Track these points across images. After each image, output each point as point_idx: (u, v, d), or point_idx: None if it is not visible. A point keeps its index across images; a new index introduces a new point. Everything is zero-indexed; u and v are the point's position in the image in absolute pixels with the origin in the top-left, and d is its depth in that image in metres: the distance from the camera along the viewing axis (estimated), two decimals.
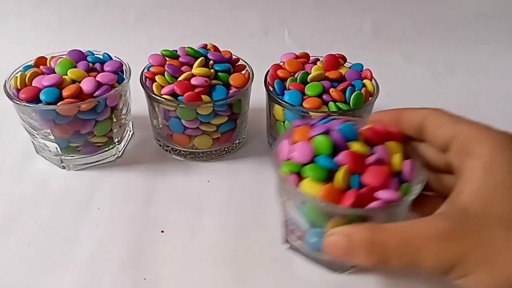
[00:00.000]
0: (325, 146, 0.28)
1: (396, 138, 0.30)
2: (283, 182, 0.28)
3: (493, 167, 0.23)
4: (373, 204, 0.26)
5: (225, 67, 0.41)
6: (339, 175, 0.26)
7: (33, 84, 0.38)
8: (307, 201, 0.27)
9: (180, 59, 0.41)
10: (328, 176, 0.27)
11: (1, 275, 0.32)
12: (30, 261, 0.33)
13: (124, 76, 0.41)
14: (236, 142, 0.45)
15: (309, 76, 0.39)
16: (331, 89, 0.38)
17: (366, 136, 0.29)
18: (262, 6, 0.72)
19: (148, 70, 0.41)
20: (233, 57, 0.44)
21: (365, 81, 0.40)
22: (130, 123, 0.47)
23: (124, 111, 0.43)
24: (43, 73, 0.39)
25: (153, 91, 0.39)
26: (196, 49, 0.42)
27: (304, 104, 0.38)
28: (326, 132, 0.29)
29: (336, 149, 0.28)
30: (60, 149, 0.40)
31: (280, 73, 0.41)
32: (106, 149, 0.43)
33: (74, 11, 0.71)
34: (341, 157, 0.27)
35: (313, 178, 0.27)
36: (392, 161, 0.28)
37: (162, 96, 0.39)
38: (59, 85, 0.37)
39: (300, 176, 0.28)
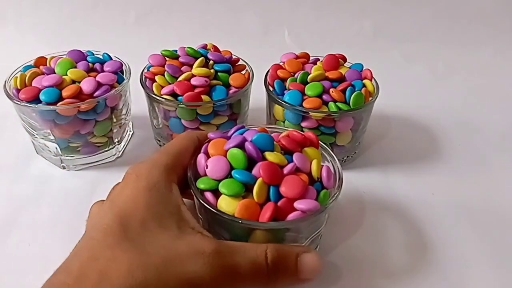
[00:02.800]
0: (239, 159, 0.27)
1: (314, 144, 0.30)
2: (200, 200, 0.27)
3: None
4: (292, 216, 0.25)
5: (225, 67, 0.41)
6: (256, 189, 0.26)
7: (33, 84, 0.38)
8: (225, 219, 0.26)
9: (180, 59, 0.41)
10: (246, 190, 0.26)
11: (1, 275, 0.32)
12: (30, 261, 0.33)
13: (124, 76, 0.41)
14: None
15: (309, 76, 0.39)
16: (331, 89, 0.38)
17: (283, 145, 0.29)
18: (262, 6, 0.72)
19: (148, 70, 0.41)
20: (233, 57, 0.44)
21: (365, 81, 0.40)
22: (130, 123, 0.47)
23: (124, 111, 0.43)
24: (43, 73, 0.39)
25: (153, 91, 0.39)
26: (196, 49, 0.42)
27: (304, 104, 0.38)
28: (241, 144, 0.28)
29: (252, 161, 0.27)
30: (60, 149, 0.40)
31: (280, 73, 0.41)
32: (106, 149, 0.43)
33: (74, 11, 0.71)
34: (256, 169, 0.27)
35: (229, 194, 0.26)
36: (311, 168, 0.28)
37: (162, 96, 0.39)
38: (59, 85, 0.37)
39: (217, 193, 0.27)
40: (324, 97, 0.38)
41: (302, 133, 0.30)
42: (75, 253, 0.24)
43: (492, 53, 0.67)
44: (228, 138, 0.29)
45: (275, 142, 0.29)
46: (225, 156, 0.28)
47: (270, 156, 0.27)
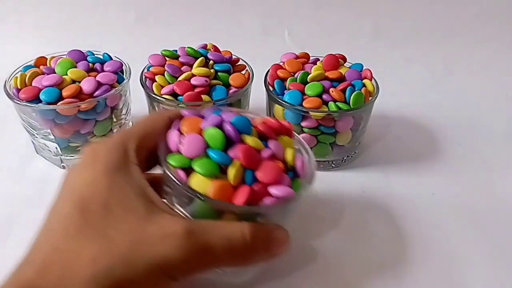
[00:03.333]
0: (217, 139, 0.26)
1: (289, 132, 0.29)
2: (170, 176, 0.25)
3: None
4: (267, 202, 0.25)
5: (225, 67, 0.41)
6: (232, 171, 0.25)
7: (33, 84, 0.38)
8: (197, 198, 0.24)
9: (180, 59, 0.41)
10: (219, 171, 0.25)
11: (1, 275, 0.32)
12: None
13: (124, 76, 0.41)
14: None
15: (309, 76, 0.39)
16: (331, 89, 0.38)
17: (260, 130, 0.28)
18: (262, 6, 0.72)
19: (148, 70, 0.41)
20: (233, 57, 0.44)
21: (365, 81, 0.40)
22: (130, 123, 0.47)
23: (124, 111, 0.43)
24: (43, 73, 0.39)
25: (153, 91, 0.39)
26: (196, 49, 0.42)
27: (304, 104, 0.38)
28: (219, 124, 0.27)
29: (228, 143, 0.26)
30: (60, 149, 0.40)
31: (280, 73, 0.41)
32: None
33: (74, 11, 0.71)
34: (235, 151, 0.26)
35: (204, 173, 0.25)
36: (285, 156, 0.27)
37: (162, 96, 0.39)
38: (59, 85, 0.37)
39: (189, 171, 0.25)
40: (324, 96, 0.38)
41: (277, 121, 0.29)
42: (38, 245, 0.23)
43: (492, 53, 0.67)
44: (202, 117, 0.28)
45: (252, 127, 0.28)
46: (201, 134, 0.27)
47: (248, 139, 0.26)
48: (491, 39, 0.69)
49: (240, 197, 0.24)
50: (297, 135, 0.31)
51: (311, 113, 0.38)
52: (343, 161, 0.43)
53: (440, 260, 0.34)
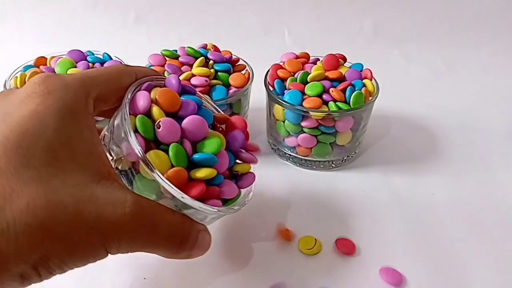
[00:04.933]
0: (180, 156, 0.24)
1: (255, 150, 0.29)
2: (130, 139, 0.23)
3: None
4: (213, 203, 0.24)
5: (225, 67, 0.41)
6: (204, 173, 0.24)
7: None
8: (151, 171, 0.22)
9: (180, 59, 0.41)
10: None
11: None
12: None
13: None
14: None
15: (309, 76, 0.39)
16: (331, 89, 0.38)
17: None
18: (262, 6, 0.72)
19: None
20: (233, 57, 0.44)
21: (365, 81, 0.40)
22: None
23: None
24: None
25: None
26: (196, 49, 0.42)
27: (304, 104, 0.38)
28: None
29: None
30: None
31: (280, 73, 0.41)
32: None
33: (74, 11, 0.71)
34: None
35: (175, 162, 0.23)
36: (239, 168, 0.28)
37: None
38: None
39: (150, 143, 0.24)
40: (324, 96, 0.38)
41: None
42: None
43: (492, 53, 0.67)
44: (179, 92, 0.27)
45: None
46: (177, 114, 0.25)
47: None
48: (491, 39, 0.69)
49: (194, 190, 0.23)
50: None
51: (311, 113, 0.38)
52: (343, 161, 0.43)
53: (440, 260, 0.34)
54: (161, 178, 0.22)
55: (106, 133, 0.26)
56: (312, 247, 0.34)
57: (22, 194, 0.18)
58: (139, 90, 0.26)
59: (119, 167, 0.25)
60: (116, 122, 0.25)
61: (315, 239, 0.34)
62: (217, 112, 0.30)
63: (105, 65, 0.40)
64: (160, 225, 0.22)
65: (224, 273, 0.32)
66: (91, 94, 0.23)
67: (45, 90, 0.21)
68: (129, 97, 0.24)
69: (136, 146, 0.22)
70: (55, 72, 0.38)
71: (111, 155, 0.25)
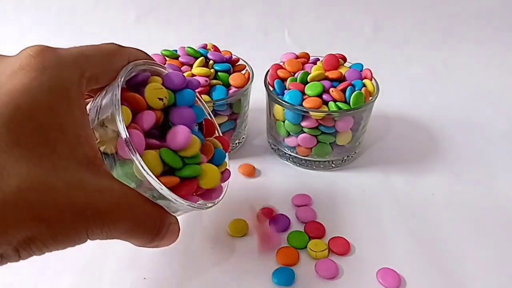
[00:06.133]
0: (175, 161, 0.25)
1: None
2: (121, 129, 0.22)
3: None
4: (194, 200, 0.26)
5: (225, 67, 0.41)
6: (209, 177, 0.25)
7: None
8: (143, 169, 0.22)
9: (180, 59, 0.41)
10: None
11: (1, 275, 0.32)
12: (30, 261, 0.33)
13: None
14: (236, 142, 0.45)
15: (309, 76, 0.39)
16: (331, 89, 0.38)
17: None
18: (262, 6, 0.72)
19: None
20: (233, 57, 0.44)
21: (365, 81, 0.40)
22: None
23: None
24: None
25: None
26: (196, 49, 0.42)
27: (304, 104, 0.38)
28: None
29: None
30: None
31: (280, 73, 0.41)
32: None
33: (74, 11, 0.71)
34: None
35: (172, 164, 0.24)
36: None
37: None
38: None
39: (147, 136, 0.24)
40: (324, 96, 0.38)
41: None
42: None
43: (492, 53, 0.67)
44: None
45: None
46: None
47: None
48: (491, 39, 0.69)
49: (183, 190, 0.24)
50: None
51: (311, 113, 0.38)
52: (343, 161, 0.43)
53: (440, 260, 0.34)
54: (145, 171, 0.22)
55: (89, 113, 0.25)
56: (322, 249, 0.33)
57: (13, 173, 0.18)
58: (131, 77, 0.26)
59: (101, 149, 0.24)
60: (104, 102, 0.24)
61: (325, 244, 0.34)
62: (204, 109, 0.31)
63: None
64: (141, 215, 0.22)
65: (224, 273, 0.32)
66: (84, 74, 0.22)
67: (40, 64, 0.20)
68: (120, 82, 0.24)
69: (123, 131, 0.22)
70: None
71: (95, 136, 0.24)
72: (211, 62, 0.41)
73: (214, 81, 0.40)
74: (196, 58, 0.41)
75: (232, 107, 0.41)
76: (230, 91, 0.40)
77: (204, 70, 0.39)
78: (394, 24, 0.71)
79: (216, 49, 0.44)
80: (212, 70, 0.40)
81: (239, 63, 0.44)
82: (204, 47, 0.44)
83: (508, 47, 0.68)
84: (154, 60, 0.28)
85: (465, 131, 0.50)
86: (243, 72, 0.43)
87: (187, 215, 0.36)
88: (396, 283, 0.31)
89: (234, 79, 0.41)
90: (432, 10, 0.71)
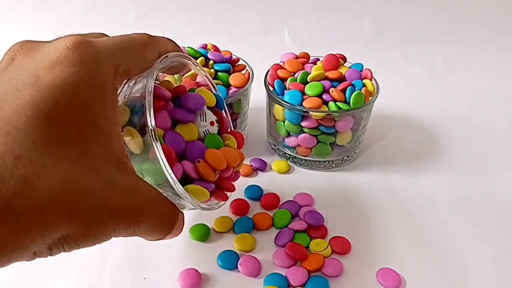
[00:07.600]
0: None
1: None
2: (150, 128, 0.23)
3: None
4: (218, 199, 0.28)
5: (225, 67, 0.41)
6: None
7: None
8: (159, 157, 0.23)
9: None
10: None
11: (1, 275, 0.32)
12: (30, 261, 0.33)
13: None
14: None
15: (309, 76, 0.39)
16: (331, 89, 0.38)
17: None
18: (262, 6, 0.72)
19: None
20: (233, 57, 0.44)
21: (365, 81, 0.40)
22: None
23: None
24: None
25: None
26: (196, 49, 0.42)
27: (304, 104, 0.38)
28: None
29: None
30: None
31: (280, 73, 0.41)
32: None
33: (74, 11, 0.71)
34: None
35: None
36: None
37: None
38: None
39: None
40: (324, 96, 0.38)
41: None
42: None
43: (492, 53, 0.67)
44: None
45: None
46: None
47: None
48: (491, 39, 0.69)
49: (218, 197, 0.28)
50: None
51: (311, 113, 0.38)
52: (343, 161, 0.43)
53: (440, 260, 0.34)
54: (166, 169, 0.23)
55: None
56: (324, 249, 0.34)
57: (55, 173, 0.17)
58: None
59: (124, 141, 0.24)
60: (133, 92, 0.24)
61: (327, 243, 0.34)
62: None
63: None
64: (161, 214, 0.23)
65: (224, 272, 0.32)
66: (119, 68, 0.22)
67: (79, 59, 0.20)
68: (154, 76, 0.24)
69: (152, 124, 0.23)
70: None
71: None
72: (211, 62, 0.41)
73: (214, 81, 0.40)
74: (196, 58, 0.41)
75: (232, 107, 0.41)
76: (230, 91, 0.40)
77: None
78: (394, 24, 0.71)
79: (216, 49, 0.44)
80: (212, 70, 0.40)
81: (239, 63, 0.44)
82: (204, 47, 0.44)
83: (508, 47, 0.68)
84: (183, 52, 0.29)
85: (465, 131, 0.50)
86: (243, 72, 0.43)
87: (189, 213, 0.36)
88: (396, 283, 0.31)
89: (234, 79, 0.41)
90: (432, 10, 0.71)
